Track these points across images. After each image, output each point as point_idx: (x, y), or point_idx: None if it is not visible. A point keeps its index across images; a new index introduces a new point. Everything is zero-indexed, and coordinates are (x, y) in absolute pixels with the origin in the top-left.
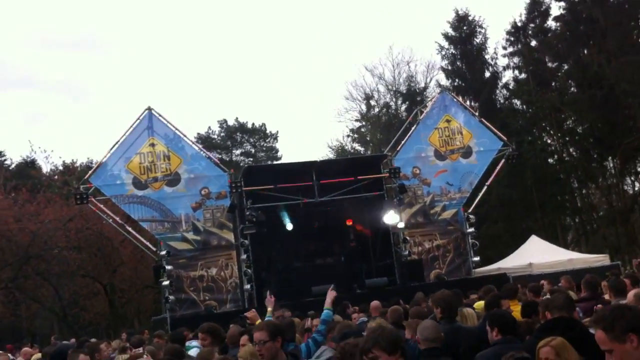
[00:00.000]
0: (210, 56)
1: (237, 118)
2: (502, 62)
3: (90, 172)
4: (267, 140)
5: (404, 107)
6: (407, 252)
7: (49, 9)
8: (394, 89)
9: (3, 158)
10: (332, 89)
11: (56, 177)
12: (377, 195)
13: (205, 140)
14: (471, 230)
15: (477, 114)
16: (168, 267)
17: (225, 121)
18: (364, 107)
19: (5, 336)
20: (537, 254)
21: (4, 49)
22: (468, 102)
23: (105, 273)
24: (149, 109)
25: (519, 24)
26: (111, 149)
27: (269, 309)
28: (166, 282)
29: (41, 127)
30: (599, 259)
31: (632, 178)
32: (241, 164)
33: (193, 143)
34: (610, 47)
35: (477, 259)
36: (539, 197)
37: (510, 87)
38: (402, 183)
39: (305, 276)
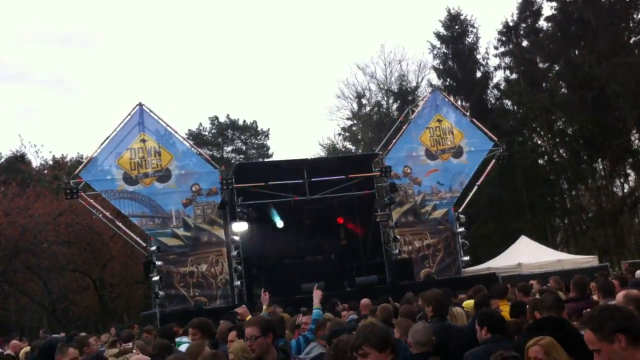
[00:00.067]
0: (202, 52)
1: (228, 115)
2: (494, 62)
3: (80, 167)
4: (258, 138)
5: (395, 106)
6: (397, 251)
7: (42, 3)
8: (386, 87)
9: None
10: (324, 87)
11: (46, 171)
12: (367, 194)
13: (196, 137)
14: (461, 229)
15: (468, 114)
16: (158, 263)
17: (217, 118)
18: (355, 106)
19: None
20: (527, 254)
21: None
22: (459, 102)
23: (95, 268)
24: (140, 104)
25: (511, 24)
26: (102, 144)
27: (264, 306)
28: (156, 278)
29: (32, 122)
30: (588, 260)
31: (622, 180)
32: (232, 161)
33: (184, 139)
34: (602, 47)
35: (466, 258)
36: (529, 197)
37: (502, 87)
38: (393, 182)
39: (295, 273)
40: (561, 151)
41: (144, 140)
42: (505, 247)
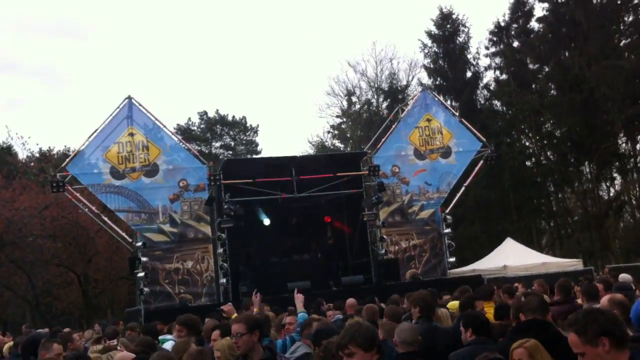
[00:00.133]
0: (192, 47)
1: (217, 110)
2: (484, 62)
3: (67, 160)
4: (247, 134)
5: (385, 104)
6: (383, 251)
7: None
8: (376, 86)
9: None
10: (314, 84)
11: (32, 164)
12: (355, 193)
13: (185, 132)
14: (448, 230)
15: (457, 113)
16: (143, 259)
17: (206, 113)
18: (345, 103)
19: None
20: (512, 256)
21: None
22: (449, 102)
23: (80, 263)
24: (130, 97)
25: (502, 24)
26: (89, 137)
27: (255, 309)
28: (141, 274)
29: (19, 113)
30: (573, 264)
31: (608, 184)
32: (220, 157)
33: (172, 134)
34: (592, 50)
35: (452, 259)
36: (516, 199)
37: (491, 87)
38: (381, 181)
39: (281, 272)
40: (549, 153)
41: (132, 134)
42: (491, 248)
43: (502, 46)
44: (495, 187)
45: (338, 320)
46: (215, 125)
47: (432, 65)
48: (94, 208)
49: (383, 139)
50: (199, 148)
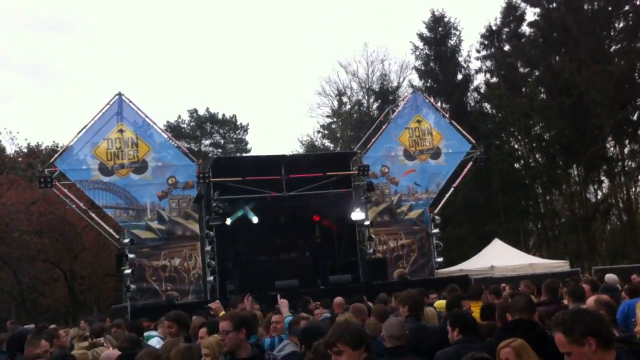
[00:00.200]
0: (183, 44)
1: (207, 108)
2: (475, 65)
3: (55, 155)
4: (237, 132)
5: (375, 105)
6: (372, 250)
7: None
8: (367, 86)
9: None
10: (305, 83)
11: (20, 159)
12: (344, 192)
13: (174, 129)
14: (436, 231)
15: (447, 115)
16: (131, 256)
17: (196, 111)
18: (335, 104)
19: None
20: (499, 257)
21: None
22: (439, 104)
23: (67, 259)
24: (120, 94)
25: (494, 28)
26: (78, 133)
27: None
28: (128, 271)
29: (8, 108)
30: (559, 265)
31: (595, 186)
32: (210, 155)
33: (162, 131)
34: (582, 55)
35: (440, 259)
36: (504, 201)
37: (482, 90)
38: (370, 181)
39: (269, 270)
40: (537, 156)
41: (121, 131)
42: (479, 249)
43: (493, 50)
44: (484, 189)
45: (326, 319)
46: (205, 123)
47: (423, 67)
48: (81, 204)
49: (373, 140)
50: (189, 146)
